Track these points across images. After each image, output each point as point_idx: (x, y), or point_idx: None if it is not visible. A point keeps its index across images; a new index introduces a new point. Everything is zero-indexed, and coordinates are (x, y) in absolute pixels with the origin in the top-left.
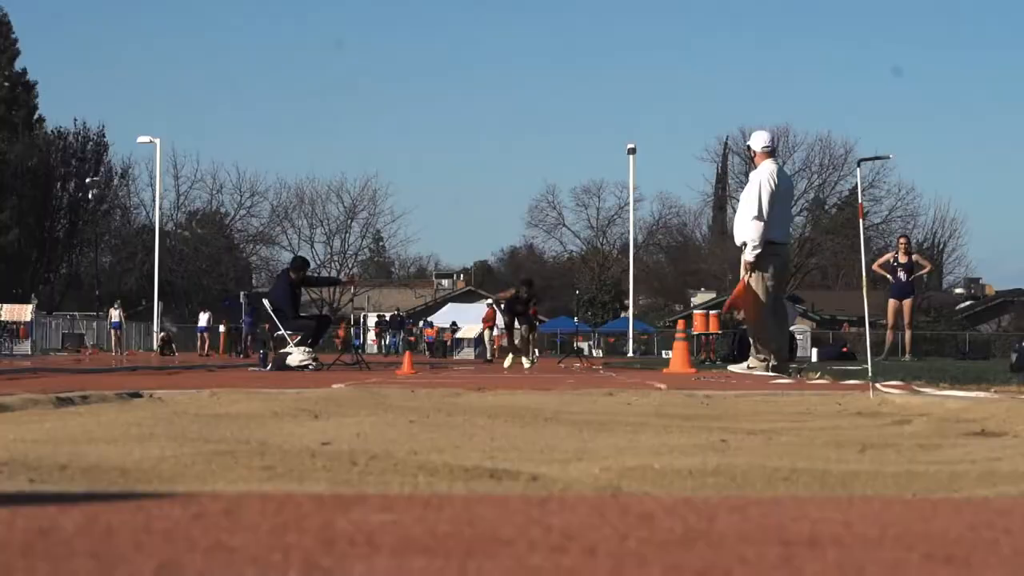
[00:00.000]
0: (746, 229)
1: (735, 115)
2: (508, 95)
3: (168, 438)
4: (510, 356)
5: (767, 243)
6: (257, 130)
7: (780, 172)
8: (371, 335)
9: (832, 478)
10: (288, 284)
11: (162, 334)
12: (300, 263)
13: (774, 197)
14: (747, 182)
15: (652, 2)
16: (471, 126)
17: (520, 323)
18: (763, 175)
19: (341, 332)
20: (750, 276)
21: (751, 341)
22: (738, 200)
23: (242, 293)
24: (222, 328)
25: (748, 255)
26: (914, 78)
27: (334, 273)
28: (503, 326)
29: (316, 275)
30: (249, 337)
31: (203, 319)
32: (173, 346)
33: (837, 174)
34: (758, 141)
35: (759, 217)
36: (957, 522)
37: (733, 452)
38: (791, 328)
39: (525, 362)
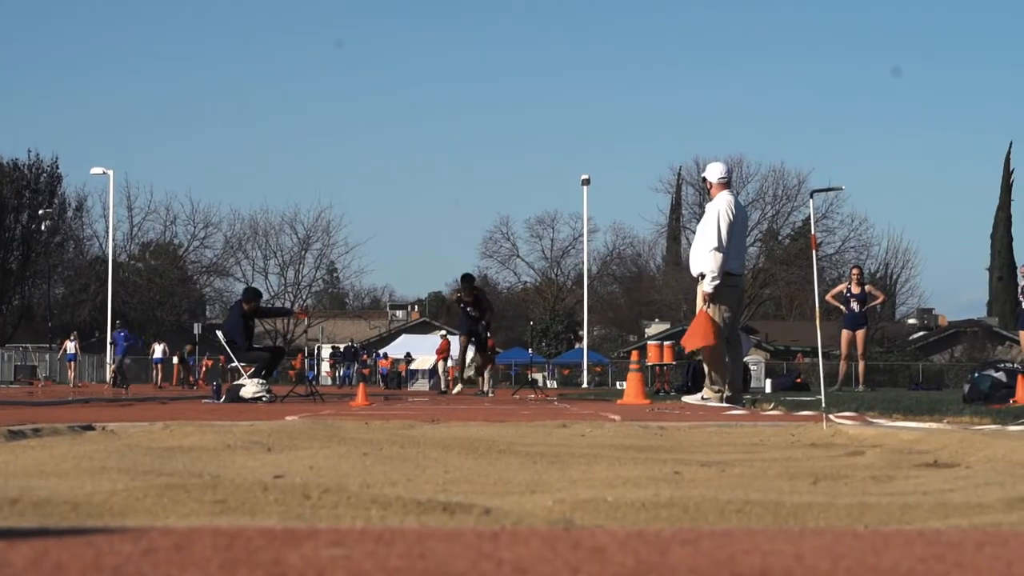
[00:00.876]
0: (705, 260)
1: (689, 145)
2: (461, 126)
3: (120, 471)
4: (459, 386)
5: (724, 274)
6: (211, 161)
7: (736, 203)
8: (325, 366)
9: (785, 510)
10: (241, 315)
11: (113, 365)
12: (252, 294)
13: (732, 228)
14: (701, 213)
15: (604, 31)
16: (424, 157)
17: (476, 351)
18: (721, 206)
19: (298, 363)
20: (708, 307)
21: (705, 371)
22: (692, 231)
23: (196, 324)
24: (176, 360)
25: (707, 286)
26: (868, 109)
27: (288, 304)
28: (456, 357)
29: (269, 306)
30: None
31: (158, 350)
32: (126, 377)
33: (790, 205)
34: (714, 172)
35: (719, 248)
36: (908, 555)
37: (686, 484)
38: (745, 359)
39: (485, 385)
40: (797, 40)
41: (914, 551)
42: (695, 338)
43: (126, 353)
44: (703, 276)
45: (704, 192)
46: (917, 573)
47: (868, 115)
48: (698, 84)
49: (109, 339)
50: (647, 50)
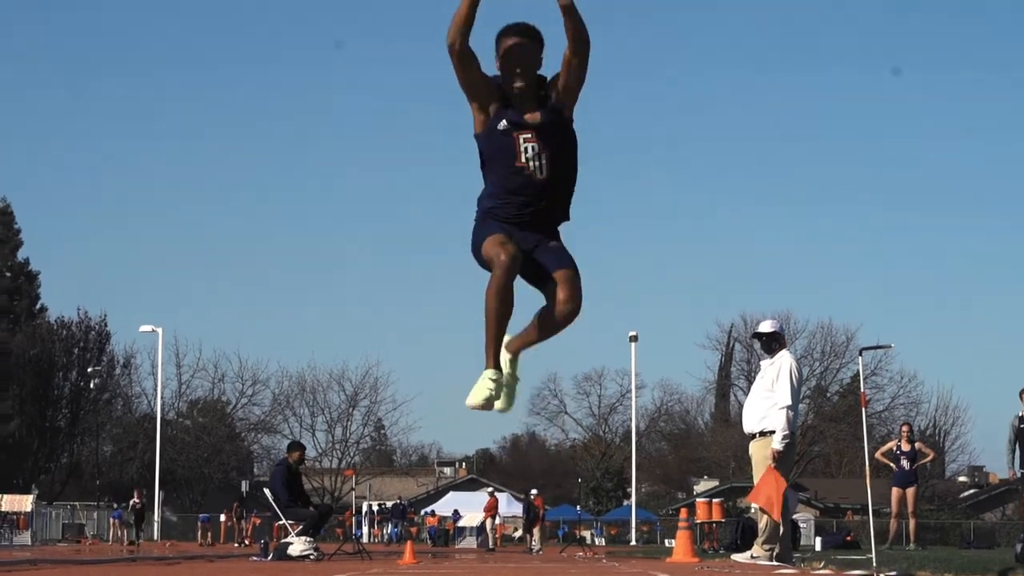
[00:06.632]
0: (775, 418)
1: (735, 303)
2: None
3: None
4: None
5: None
6: (260, 318)
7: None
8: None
9: None
10: (287, 470)
11: (134, 501)
12: (293, 444)
13: (797, 387)
14: (751, 370)
15: (649, 187)
16: (473, 314)
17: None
18: (791, 364)
19: (349, 520)
20: (775, 466)
21: (759, 529)
22: (741, 388)
23: (243, 481)
24: (223, 517)
25: (778, 444)
26: (916, 267)
27: (336, 462)
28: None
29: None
30: None
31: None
32: (142, 521)
33: (839, 362)
34: (774, 326)
35: (792, 407)
36: None
37: None
38: (794, 516)
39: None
40: (845, 197)
41: None
42: (767, 497)
43: None
44: (761, 433)
45: (751, 349)
46: None
47: (917, 273)
48: (745, 242)
49: (157, 497)
50: (693, 207)
